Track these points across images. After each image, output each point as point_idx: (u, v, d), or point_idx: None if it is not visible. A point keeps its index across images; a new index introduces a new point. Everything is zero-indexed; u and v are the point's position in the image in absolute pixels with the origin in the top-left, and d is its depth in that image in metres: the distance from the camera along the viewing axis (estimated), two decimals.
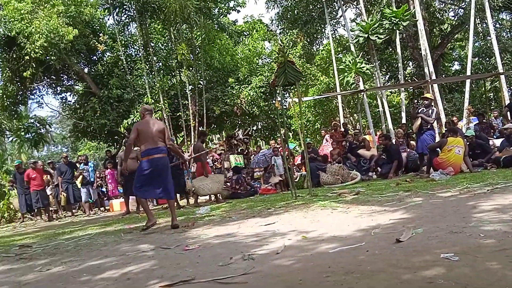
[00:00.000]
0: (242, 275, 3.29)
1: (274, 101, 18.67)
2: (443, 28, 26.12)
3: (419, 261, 3.00)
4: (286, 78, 8.35)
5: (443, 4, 26.20)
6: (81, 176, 13.55)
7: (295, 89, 10.63)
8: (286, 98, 19.04)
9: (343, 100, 22.49)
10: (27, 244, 7.03)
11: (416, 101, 26.13)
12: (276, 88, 9.11)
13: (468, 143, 10.46)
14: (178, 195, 11.56)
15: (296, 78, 8.57)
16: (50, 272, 4.47)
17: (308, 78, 23.49)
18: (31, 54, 15.69)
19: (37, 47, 15.45)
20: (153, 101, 16.84)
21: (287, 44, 21.74)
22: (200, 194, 11.14)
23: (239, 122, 22.13)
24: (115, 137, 20.31)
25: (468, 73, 18.14)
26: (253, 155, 15.07)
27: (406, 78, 25.05)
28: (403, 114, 18.07)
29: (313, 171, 10.60)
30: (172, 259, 4.25)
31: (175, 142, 15.09)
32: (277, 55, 10.27)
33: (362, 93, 17.51)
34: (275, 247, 4.16)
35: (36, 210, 14.20)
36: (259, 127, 23.72)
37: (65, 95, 21.33)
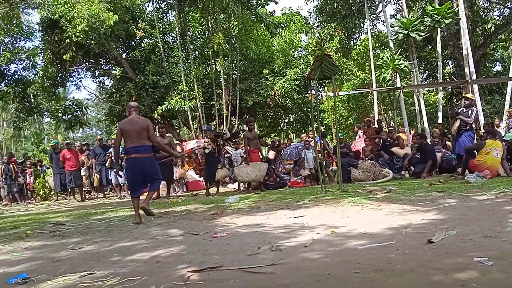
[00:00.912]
0: (270, 265, 3.30)
1: (307, 94, 18.53)
2: (486, 28, 25.27)
3: (451, 263, 2.93)
4: (322, 71, 8.26)
5: (488, 3, 25.36)
6: (109, 160, 13.80)
7: (330, 83, 10.50)
8: (320, 92, 18.90)
9: (378, 96, 22.11)
10: (60, 222, 7.23)
11: (455, 100, 25.48)
12: (311, 81, 9.02)
13: (506, 147, 10.15)
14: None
15: (332, 72, 8.47)
16: (82, 251, 4.59)
17: (344, 73, 23.18)
18: (72, 37, 16.06)
19: (78, 31, 15.80)
20: (187, 88, 16.98)
21: (325, 37, 21.51)
22: (239, 180, 11.41)
23: (272, 114, 22.10)
24: None
25: (511, 74, 17.53)
26: (284, 148, 15.04)
27: (445, 77, 24.40)
28: (440, 114, 17.62)
29: (344, 167, 10.49)
30: (201, 246, 4.30)
31: (212, 129, 15.17)
32: (314, 48, 10.15)
33: (399, 90, 17.15)
34: (303, 240, 4.14)
35: (69, 189, 14.59)
36: (291, 119, 23.62)
37: (103, 79, 21.80)
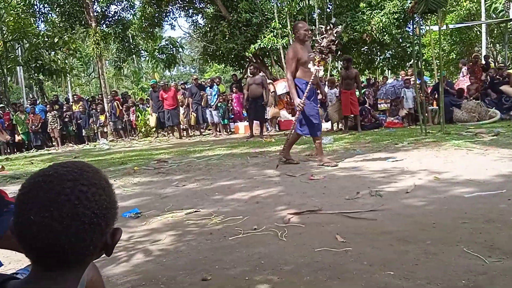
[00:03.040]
0: (371, 211, 3.25)
1: (408, 29, 17.37)
2: None
3: None
4: (427, 4, 7.63)
5: None
6: (204, 99, 14.14)
7: (434, 16, 9.71)
8: (422, 26, 17.62)
9: (487, 28, 20.22)
10: (163, 159, 7.65)
11: None
12: (413, 14, 8.39)
13: None
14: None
15: (438, 5, 7.78)
16: (186, 188, 4.84)
17: (450, 4, 21.33)
18: None
19: None
20: (280, 26, 16.66)
21: None
22: (333, 120, 11.68)
23: (367, 50, 21.18)
24: (241, 61, 20.69)
25: None
26: (380, 86, 14.45)
27: None
28: None
29: (446, 107, 9.88)
30: (298, 188, 4.34)
31: None
32: None
33: None
34: (404, 185, 4.02)
35: (168, 127, 15.32)
36: (387, 56, 22.48)
37: (196, 18, 22.04)
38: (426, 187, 3.90)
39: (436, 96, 11.49)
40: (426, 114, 10.35)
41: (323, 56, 5.36)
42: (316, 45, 5.40)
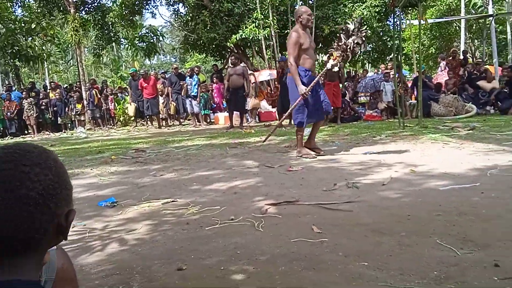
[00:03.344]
0: (347, 202, 3.28)
1: (389, 22, 17.45)
2: None
3: None
4: None
5: None
6: (184, 88, 14.03)
7: (415, 10, 9.78)
8: (402, 20, 17.74)
9: (466, 24, 20.48)
10: (141, 149, 7.58)
11: None
12: (395, 8, 8.44)
13: None
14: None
15: None
16: (163, 178, 4.81)
17: None
18: None
19: None
20: (262, 16, 16.60)
21: None
22: None
23: None
24: (223, 51, 20.58)
25: None
26: (360, 79, 14.55)
27: None
28: None
29: (424, 101, 9.99)
30: (276, 179, 4.35)
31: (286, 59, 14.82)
32: None
33: (491, 18, 15.72)
34: (380, 177, 4.06)
35: (147, 116, 15.18)
36: (368, 49, 22.62)
37: (178, 7, 21.79)
38: (402, 179, 3.95)
39: (415, 90, 11.62)
40: (405, 108, 10.46)
41: (344, 55, 5.22)
42: (339, 42, 5.25)
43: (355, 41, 5.16)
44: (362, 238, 2.52)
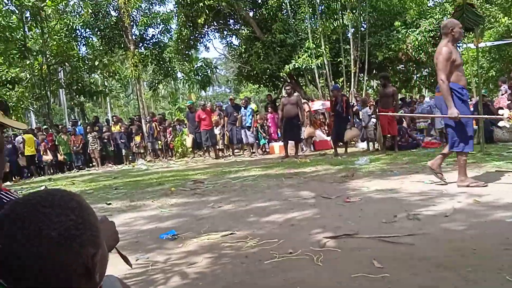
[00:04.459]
0: (409, 235, 3.19)
1: None
2: None
3: None
4: (464, 23, 7.52)
5: None
6: (239, 119, 14.24)
7: (472, 34, 9.54)
8: (459, 43, 17.32)
9: None
10: (199, 180, 7.74)
11: None
12: None
13: None
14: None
15: (475, 23, 7.68)
16: (221, 209, 4.88)
17: (487, 20, 20.88)
18: (204, 1, 16.77)
19: None
20: (314, 45, 16.74)
21: None
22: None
23: (403, 69, 20.95)
24: (276, 81, 20.86)
25: None
26: (417, 105, 14.23)
27: None
28: None
29: (486, 126, 9.62)
30: (334, 210, 4.30)
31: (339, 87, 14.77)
32: None
33: None
34: (443, 208, 3.93)
35: (205, 148, 15.50)
36: (424, 74, 22.17)
37: (231, 39, 22.42)
38: (466, 210, 3.81)
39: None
40: None
41: None
42: None
43: None
44: (425, 273, 2.44)
